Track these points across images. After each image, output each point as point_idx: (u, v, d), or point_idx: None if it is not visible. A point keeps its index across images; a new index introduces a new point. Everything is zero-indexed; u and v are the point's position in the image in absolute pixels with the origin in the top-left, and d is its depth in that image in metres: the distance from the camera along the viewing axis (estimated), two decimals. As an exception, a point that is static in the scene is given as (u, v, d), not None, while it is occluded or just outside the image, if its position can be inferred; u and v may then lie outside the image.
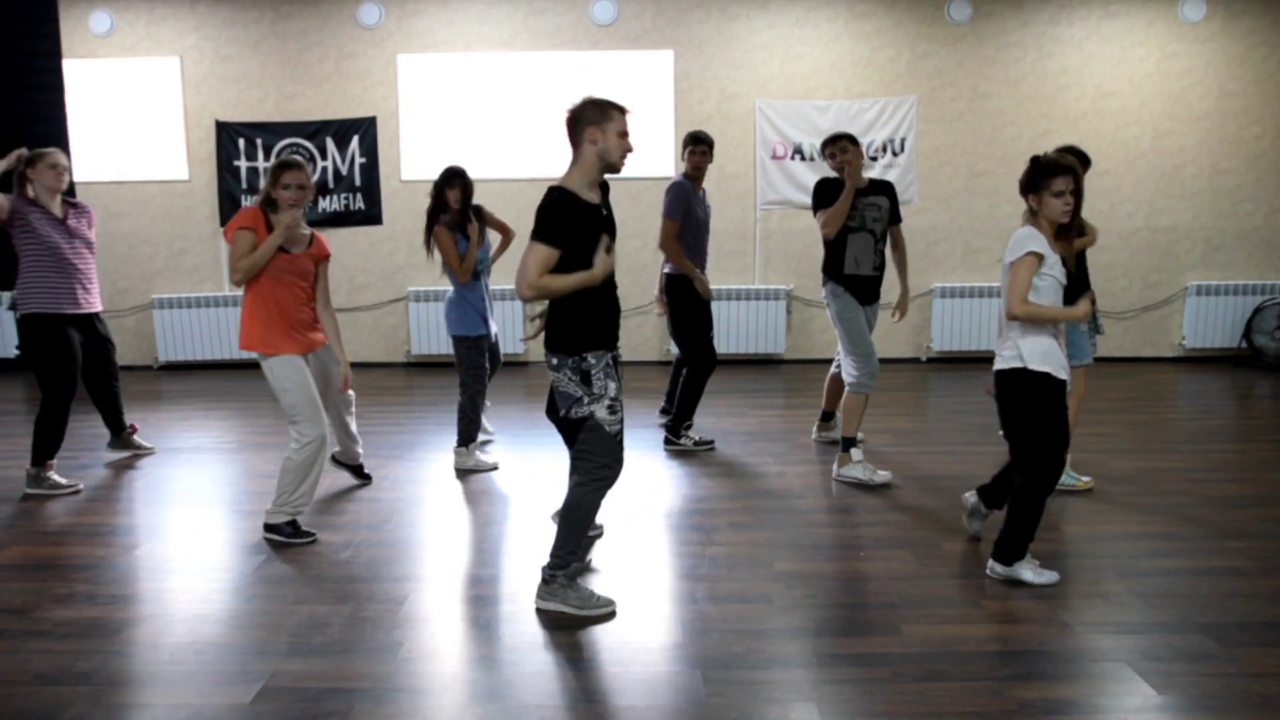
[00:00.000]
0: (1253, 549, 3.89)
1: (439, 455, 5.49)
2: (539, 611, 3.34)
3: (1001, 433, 3.68)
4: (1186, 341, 8.55)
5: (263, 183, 8.23)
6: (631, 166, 8.99)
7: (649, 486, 4.79)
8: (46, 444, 4.84)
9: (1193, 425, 6.13)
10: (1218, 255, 8.54)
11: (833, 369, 5.48)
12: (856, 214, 4.86)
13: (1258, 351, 8.39)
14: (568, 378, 3.23)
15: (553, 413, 3.48)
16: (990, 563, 3.61)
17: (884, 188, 5.03)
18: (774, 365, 8.55)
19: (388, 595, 3.50)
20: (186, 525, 4.34)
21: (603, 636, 3.16)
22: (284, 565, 3.81)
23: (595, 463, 3.26)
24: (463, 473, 5.13)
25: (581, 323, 3.23)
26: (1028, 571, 3.54)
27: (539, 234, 3.12)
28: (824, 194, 4.92)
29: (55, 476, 4.87)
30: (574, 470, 3.33)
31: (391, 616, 3.31)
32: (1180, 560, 3.78)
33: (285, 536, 4.05)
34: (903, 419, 6.34)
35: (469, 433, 5.16)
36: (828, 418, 5.66)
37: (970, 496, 4.06)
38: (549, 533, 4.12)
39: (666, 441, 5.56)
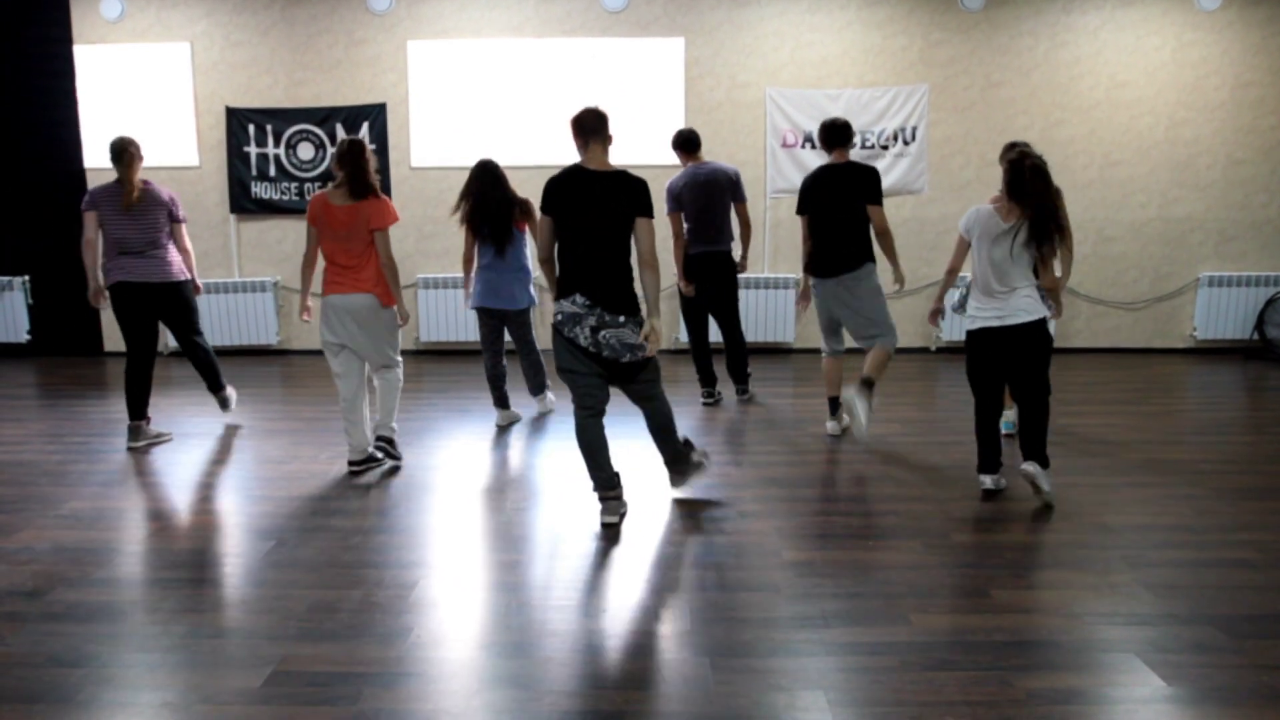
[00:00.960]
0: (1262, 541, 3.88)
1: (448, 442, 5.51)
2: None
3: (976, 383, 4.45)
4: (1198, 333, 8.51)
5: (273, 170, 8.32)
6: (641, 153, 8.86)
7: (657, 475, 4.79)
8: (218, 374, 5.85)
9: (1203, 417, 6.11)
10: (1230, 246, 8.48)
11: (826, 354, 5.67)
12: None
13: (1269, 343, 8.35)
14: (631, 329, 3.89)
15: (606, 366, 3.97)
16: (1030, 467, 4.24)
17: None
18: (783, 354, 8.55)
19: (397, 581, 3.52)
20: (197, 510, 4.37)
21: (612, 624, 3.17)
22: (294, 550, 3.83)
23: (657, 382, 4.15)
24: (542, 416, 6.10)
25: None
26: (1046, 481, 4.25)
27: (650, 211, 3.86)
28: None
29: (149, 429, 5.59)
30: (646, 399, 4.13)
31: (401, 602, 3.33)
32: (1189, 552, 3.78)
33: (394, 453, 4.95)
34: (912, 409, 6.33)
35: (544, 380, 6.10)
36: (837, 406, 5.65)
37: (1028, 467, 4.32)
38: (557, 519, 4.14)
39: (743, 392, 6.54)
